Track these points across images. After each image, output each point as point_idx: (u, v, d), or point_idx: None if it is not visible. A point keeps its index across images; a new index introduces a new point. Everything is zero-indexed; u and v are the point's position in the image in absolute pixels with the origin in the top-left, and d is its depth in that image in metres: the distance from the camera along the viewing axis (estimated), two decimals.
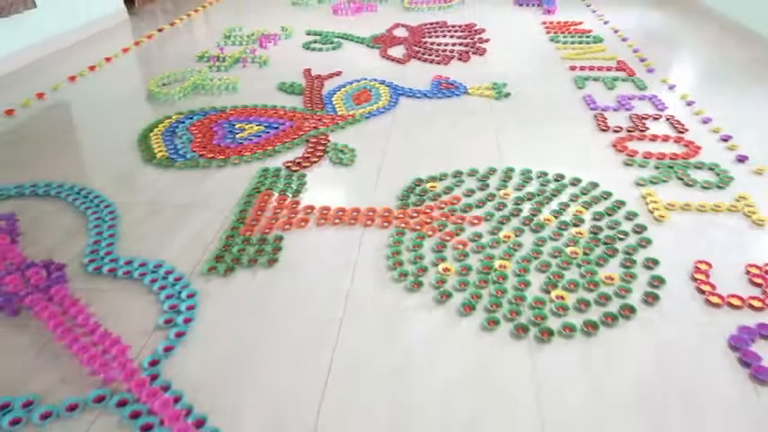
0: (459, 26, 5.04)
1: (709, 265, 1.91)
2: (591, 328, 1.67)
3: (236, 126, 3.05)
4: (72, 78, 3.89)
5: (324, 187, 2.49)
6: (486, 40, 4.61)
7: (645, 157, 2.64)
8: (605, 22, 5.10)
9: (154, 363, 1.57)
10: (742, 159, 2.61)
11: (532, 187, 2.42)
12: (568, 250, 2.00)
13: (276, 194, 2.40)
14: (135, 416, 1.41)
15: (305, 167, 2.63)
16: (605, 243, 2.04)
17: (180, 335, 1.66)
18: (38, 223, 2.26)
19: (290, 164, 2.65)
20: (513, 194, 2.36)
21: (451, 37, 4.74)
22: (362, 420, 1.41)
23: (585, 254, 1.99)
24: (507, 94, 3.47)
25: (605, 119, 3.05)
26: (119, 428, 1.40)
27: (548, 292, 1.82)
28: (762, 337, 1.62)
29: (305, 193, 2.44)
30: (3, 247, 2.04)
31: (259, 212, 2.27)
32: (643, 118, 3.06)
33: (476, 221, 2.18)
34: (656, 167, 2.56)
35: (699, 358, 1.57)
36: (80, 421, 1.42)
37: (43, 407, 1.44)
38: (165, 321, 1.72)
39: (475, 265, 1.95)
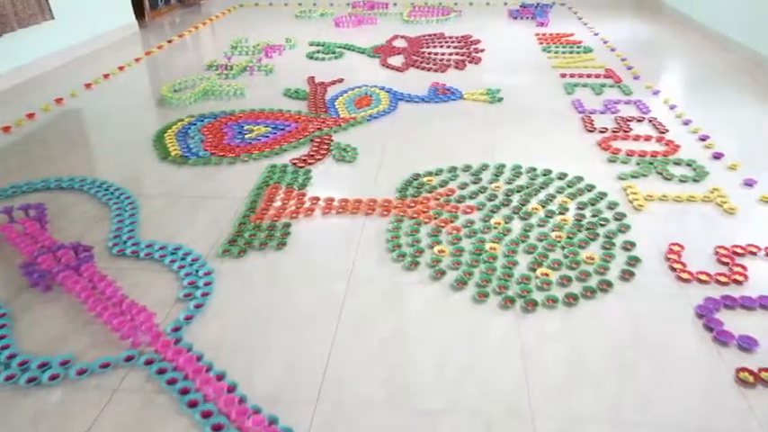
0: (456, 37, 5.27)
1: (681, 246, 2.09)
2: (572, 299, 1.84)
3: (245, 127, 3.25)
4: (88, 85, 4.09)
5: (328, 181, 2.67)
6: (482, 50, 4.83)
7: (627, 155, 2.83)
8: (595, 34, 5.33)
9: (176, 329, 1.74)
10: (718, 156, 2.80)
11: (522, 181, 2.60)
12: (553, 235, 2.18)
13: (284, 188, 2.58)
14: (161, 372, 1.58)
15: (310, 164, 2.82)
16: (588, 228, 2.22)
17: (198, 306, 1.83)
18: (64, 213, 2.44)
19: (296, 161, 2.84)
20: (503, 187, 2.54)
21: (448, 47, 4.96)
22: (364, 375, 1.57)
23: (569, 238, 2.16)
24: (500, 99, 3.67)
25: (592, 121, 3.25)
26: (147, 383, 1.56)
27: (533, 270, 1.99)
28: (725, 307, 1.79)
29: (310, 186, 2.62)
30: (34, 232, 2.21)
31: (268, 203, 2.45)
32: (627, 120, 3.26)
33: (469, 210, 2.36)
34: (638, 164, 2.74)
35: (668, 324, 1.74)
36: (112, 377, 1.58)
37: (78, 365, 1.61)
38: (184, 295, 1.89)
39: (467, 247, 2.12)
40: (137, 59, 4.80)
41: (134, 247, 2.15)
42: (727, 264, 1.99)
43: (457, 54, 4.73)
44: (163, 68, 4.63)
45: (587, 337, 1.70)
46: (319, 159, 2.87)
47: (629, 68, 4.24)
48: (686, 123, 3.22)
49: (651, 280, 1.94)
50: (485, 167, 2.73)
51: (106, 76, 4.32)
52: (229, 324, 1.78)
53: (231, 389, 1.51)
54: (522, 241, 2.15)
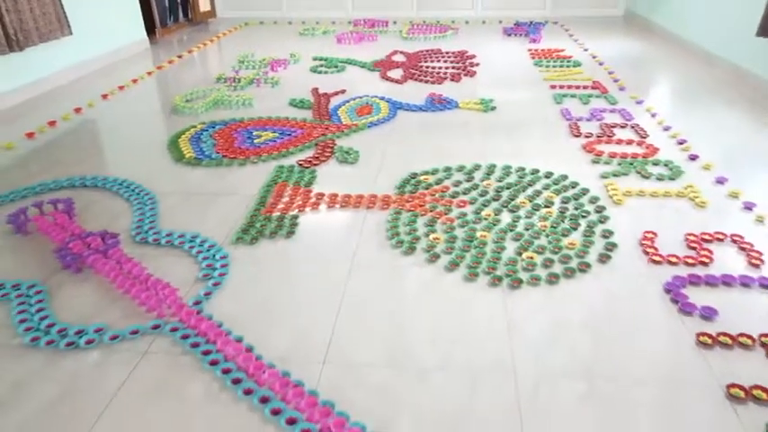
0: (453, 53, 5.54)
1: (655, 234, 2.29)
2: (553, 278, 2.03)
3: (254, 133, 3.48)
4: (104, 96, 4.34)
5: (332, 180, 2.88)
6: (477, 65, 5.09)
7: (610, 157, 3.05)
8: (585, 50, 5.61)
9: (196, 303, 1.93)
10: (693, 158, 3.02)
11: (511, 179, 2.82)
12: (539, 225, 2.38)
13: (291, 185, 2.79)
14: (185, 337, 1.77)
15: (315, 165, 3.04)
16: (570, 219, 2.43)
17: (216, 284, 2.03)
18: (89, 208, 2.65)
19: (302, 162, 3.06)
20: (494, 184, 2.76)
21: (445, 61, 5.22)
22: (366, 341, 1.76)
23: (553, 227, 2.37)
24: (493, 108, 3.91)
25: (578, 127, 3.48)
26: (172, 347, 1.75)
27: (520, 254, 2.19)
28: (691, 284, 1.99)
29: (316, 184, 2.83)
30: (64, 222, 2.42)
31: (277, 198, 2.66)
32: (611, 126, 3.49)
33: (462, 204, 2.57)
34: (619, 164, 2.96)
35: (639, 298, 1.94)
36: (141, 342, 1.78)
37: (110, 332, 1.80)
38: (203, 276, 2.09)
39: (460, 235, 2.33)
40: (149, 73, 5.06)
41: (155, 235, 2.35)
42: (695, 248, 2.19)
43: (453, 68, 4.99)
44: (174, 81, 4.88)
45: (566, 309, 1.90)
46: (324, 161, 3.09)
47: (616, 81, 4.49)
48: (666, 129, 3.45)
49: (626, 262, 2.14)
50: (477, 167, 2.94)
51: (121, 87, 4.57)
52: (244, 299, 1.98)
53: (248, 350, 1.70)
54: (510, 230, 2.35)
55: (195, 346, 1.73)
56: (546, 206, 2.54)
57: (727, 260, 2.14)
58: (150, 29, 6.31)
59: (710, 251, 2.17)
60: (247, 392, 1.56)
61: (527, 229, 2.36)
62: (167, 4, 7.11)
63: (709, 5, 5.12)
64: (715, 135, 3.37)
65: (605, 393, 1.55)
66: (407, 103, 4.02)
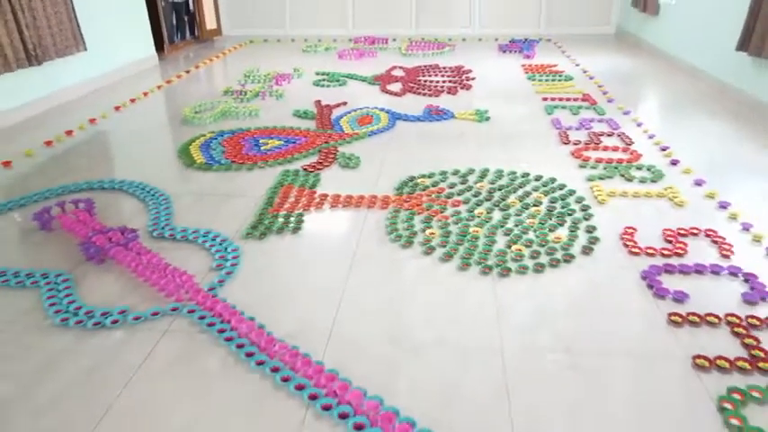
0: (450, 68, 5.77)
1: (635, 229, 2.47)
2: (540, 267, 2.21)
3: (261, 141, 3.67)
4: (117, 108, 4.55)
5: (335, 183, 3.07)
6: (472, 79, 5.32)
7: (596, 162, 3.24)
8: (577, 65, 5.84)
9: (211, 289, 2.10)
10: (674, 163, 3.21)
11: (503, 181, 3.00)
12: (528, 221, 2.56)
13: (296, 187, 2.98)
14: (201, 318, 1.94)
15: (319, 170, 3.23)
16: (557, 217, 2.60)
17: (228, 273, 2.20)
18: (107, 208, 2.83)
19: (306, 167, 3.25)
20: (487, 186, 2.94)
21: (442, 76, 5.45)
22: (367, 322, 1.93)
23: (541, 223, 2.55)
24: (488, 118, 4.11)
25: (567, 135, 3.68)
26: (190, 326, 1.92)
27: (509, 247, 2.37)
28: (665, 272, 2.16)
29: (320, 187, 3.02)
30: (85, 219, 2.60)
31: (283, 199, 2.84)
32: (599, 134, 3.68)
33: (456, 204, 2.75)
34: (604, 168, 3.15)
35: (617, 284, 2.11)
36: (162, 322, 1.94)
37: (133, 313, 1.97)
38: (216, 266, 2.26)
39: (454, 231, 2.50)
40: (158, 87, 5.29)
41: (170, 231, 2.53)
42: (671, 242, 2.37)
43: (450, 81, 5.21)
44: (182, 95, 5.10)
45: (551, 295, 2.06)
46: (327, 166, 3.28)
47: (605, 93, 4.71)
48: (651, 137, 3.64)
49: (607, 254, 2.31)
50: (471, 171, 3.13)
51: (132, 100, 4.79)
52: (255, 286, 2.15)
53: (260, 328, 1.87)
54: (501, 226, 2.53)
55: (211, 325, 1.90)
56: (535, 205, 2.72)
57: (701, 252, 2.31)
58: (159, 45, 6.56)
59: (685, 244, 2.34)
60: (259, 363, 1.72)
61: (516, 225, 2.53)
62: (175, 23, 7.39)
63: (695, 23, 5.36)
64: (696, 143, 3.56)
65: (585, 366, 1.72)
66: (406, 113, 4.22)
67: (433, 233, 2.48)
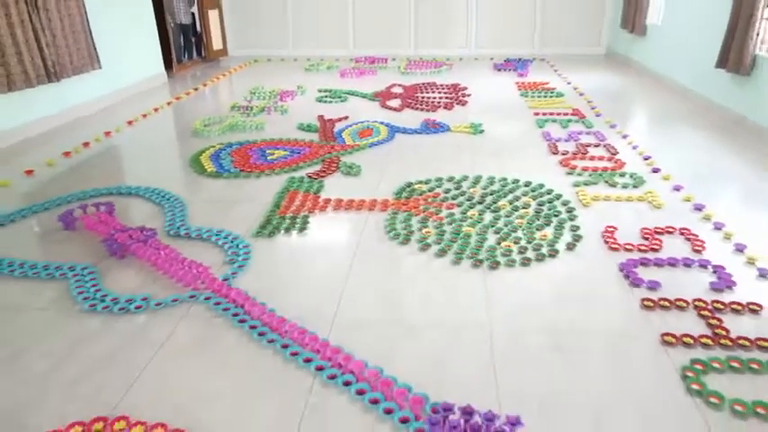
0: (447, 85, 6.04)
1: (615, 228, 2.67)
2: (527, 261, 2.40)
3: (267, 151, 3.90)
4: (130, 122, 4.79)
5: (337, 189, 3.28)
6: (468, 95, 5.58)
7: (582, 170, 3.45)
8: (568, 83, 6.11)
9: (225, 280, 2.29)
10: (656, 171, 3.43)
11: (495, 187, 3.21)
12: (516, 221, 2.77)
13: (302, 192, 3.19)
14: (217, 304, 2.13)
15: (322, 177, 3.44)
16: (544, 218, 2.81)
17: (241, 266, 2.40)
18: (125, 210, 3.03)
19: (311, 174, 3.46)
20: (479, 191, 3.15)
21: (439, 93, 5.71)
22: (368, 308, 2.12)
23: (529, 223, 2.75)
24: (482, 131, 4.35)
25: (556, 146, 3.90)
26: (207, 311, 2.11)
27: (499, 243, 2.57)
28: (641, 265, 2.36)
29: (323, 192, 3.23)
30: (106, 220, 2.80)
31: (290, 202, 3.05)
32: (586, 145, 3.91)
33: (450, 207, 2.96)
34: (590, 175, 3.37)
35: (597, 276, 2.31)
36: (180, 308, 2.13)
37: (155, 300, 2.16)
38: (229, 260, 2.46)
39: (448, 230, 2.71)
40: (168, 103, 5.54)
41: (185, 230, 2.73)
42: (647, 239, 2.57)
43: (446, 98, 5.47)
44: (191, 110, 5.34)
45: (537, 285, 2.26)
46: (330, 174, 3.50)
47: (593, 108, 4.96)
48: (635, 148, 3.87)
49: (589, 250, 2.51)
50: (465, 178, 3.35)
51: (144, 115, 5.03)
52: (265, 278, 2.34)
53: (271, 311, 2.06)
54: (492, 226, 2.73)
55: (226, 310, 2.09)
56: (524, 207, 2.93)
57: (675, 247, 2.51)
58: (168, 65, 6.84)
59: (661, 241, 2.54)
60: (271, 341, 1.91)
61: (506, 225, 2.74)
62: (183, 43, 7.69)
63: (679, 43, 5.64)
64: (677, 153, 3.79)
65: (565, 344, 1.90)
66: (404, 127, 4.46)
67: (428, 232, 2.68)
